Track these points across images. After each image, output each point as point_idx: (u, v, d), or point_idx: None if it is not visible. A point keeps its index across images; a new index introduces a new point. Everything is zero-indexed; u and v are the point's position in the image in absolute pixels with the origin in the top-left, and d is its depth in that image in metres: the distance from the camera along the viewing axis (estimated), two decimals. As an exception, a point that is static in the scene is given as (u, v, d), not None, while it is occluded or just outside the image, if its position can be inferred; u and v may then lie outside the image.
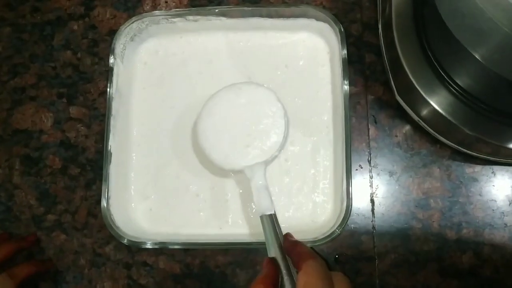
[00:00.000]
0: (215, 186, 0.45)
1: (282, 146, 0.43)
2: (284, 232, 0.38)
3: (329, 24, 0.45)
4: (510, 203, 0.46)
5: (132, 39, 0.47)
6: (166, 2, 0.52)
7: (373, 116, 0.48)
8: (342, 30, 0.44)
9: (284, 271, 0.35)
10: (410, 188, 0.46)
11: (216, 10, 0.46)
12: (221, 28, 0.48)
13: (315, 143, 0.46)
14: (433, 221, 0.46)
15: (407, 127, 0.48)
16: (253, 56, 0.48)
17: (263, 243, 0.42)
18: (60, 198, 0.49)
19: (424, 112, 0.45)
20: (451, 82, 0.42)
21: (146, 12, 0.51)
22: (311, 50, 0.48)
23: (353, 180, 0.46)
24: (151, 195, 0.46)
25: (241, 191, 0.45)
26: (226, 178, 0.45)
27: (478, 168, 0.47)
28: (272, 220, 0.39)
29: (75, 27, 0.53)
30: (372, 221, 0.46)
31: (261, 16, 0.47)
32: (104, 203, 0.42)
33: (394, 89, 0.46)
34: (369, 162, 0.47)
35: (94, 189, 0.48)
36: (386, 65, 0.46)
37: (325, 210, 0.44)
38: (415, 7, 0.44)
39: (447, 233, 0.45)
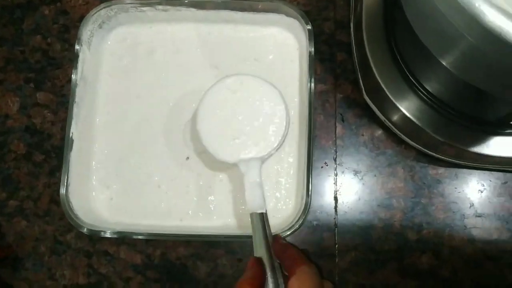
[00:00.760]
0: (176, 178, 0.45)
1: (280, 145, 0.43)
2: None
3: (298, 20, 0.45)
4: (470, 206, 0.46)
5: (100, 26, 0.47)
6: (138, -10, 0.51)
7: (341, 114, 0.48)
8: (310, 27, 0.44)
9: (269, 272, 0.34)
10: (374, 187, 0.47)
11: (186, 1, 0.45)
12: (191, 19, 0.47)
13: (281, 140, 0.45)
14: (395, 221, 0.46)
15: (374, 127, 0.48)
16: (223, 48, 0.47)
17: (224, 236, 0.43)
18: (23, 184, 0.48)
19: (391, 113, 0.45)
20: (418, 86, 0.42)
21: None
22: (281, 46, 0.47)
23: (318, 178, 0.47)
24: (113, 185, 0.45)
25: (201, 183, 0.45)
26: (188, 170, 0.45)
27: (441, 170, 0.47)
28: (262, 219, 0.38)
29: (46, 11, 0.52)
30: (334, 218, 0.46)
31: (233, 9, 0.46)
32: (62, 190, 0.42)
33: (363, 88, 0.46)
34: (335, 160, 0.47)
35: (57, 177, 0.48)
36: (355, 64, 0.46)
37: (287, 206, 0.44)
38: (386, 8, 0.44)
39: (408, 233, 0.46)
